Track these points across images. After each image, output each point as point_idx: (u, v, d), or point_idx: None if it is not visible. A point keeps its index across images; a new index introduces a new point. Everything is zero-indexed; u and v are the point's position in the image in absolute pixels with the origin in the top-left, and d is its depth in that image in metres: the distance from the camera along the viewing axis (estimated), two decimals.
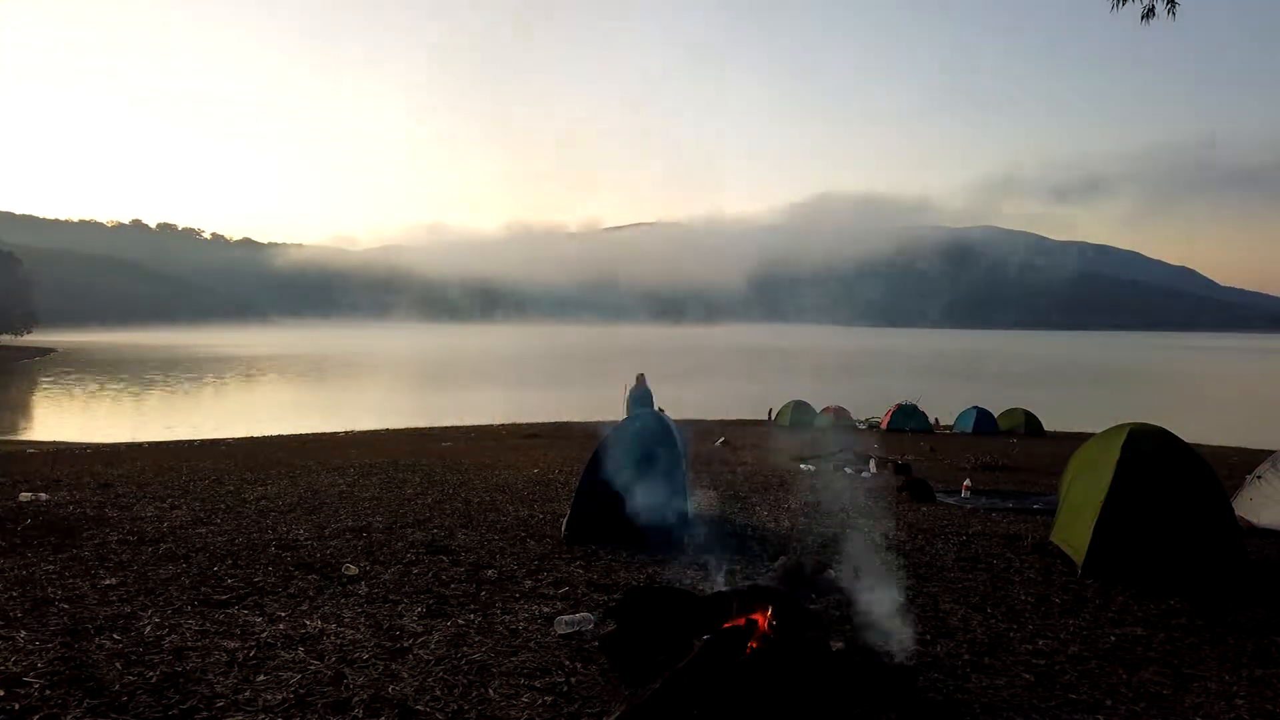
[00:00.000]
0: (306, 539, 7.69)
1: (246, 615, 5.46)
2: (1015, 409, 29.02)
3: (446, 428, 26.53)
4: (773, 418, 29.41)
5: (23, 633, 4.99)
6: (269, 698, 4.21)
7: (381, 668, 4.64)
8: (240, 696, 4.21)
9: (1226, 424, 32.98)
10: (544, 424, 27.44)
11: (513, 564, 6.94)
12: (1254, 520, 9.22)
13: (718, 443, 19.53)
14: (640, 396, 17.55)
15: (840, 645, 4.58)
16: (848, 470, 14.74)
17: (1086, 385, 63.29)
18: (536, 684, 4.47)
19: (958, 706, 4.31)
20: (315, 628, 5.25)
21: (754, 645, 4.10)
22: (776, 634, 4.17)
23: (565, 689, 4.41)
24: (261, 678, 4.45)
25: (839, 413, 28.59)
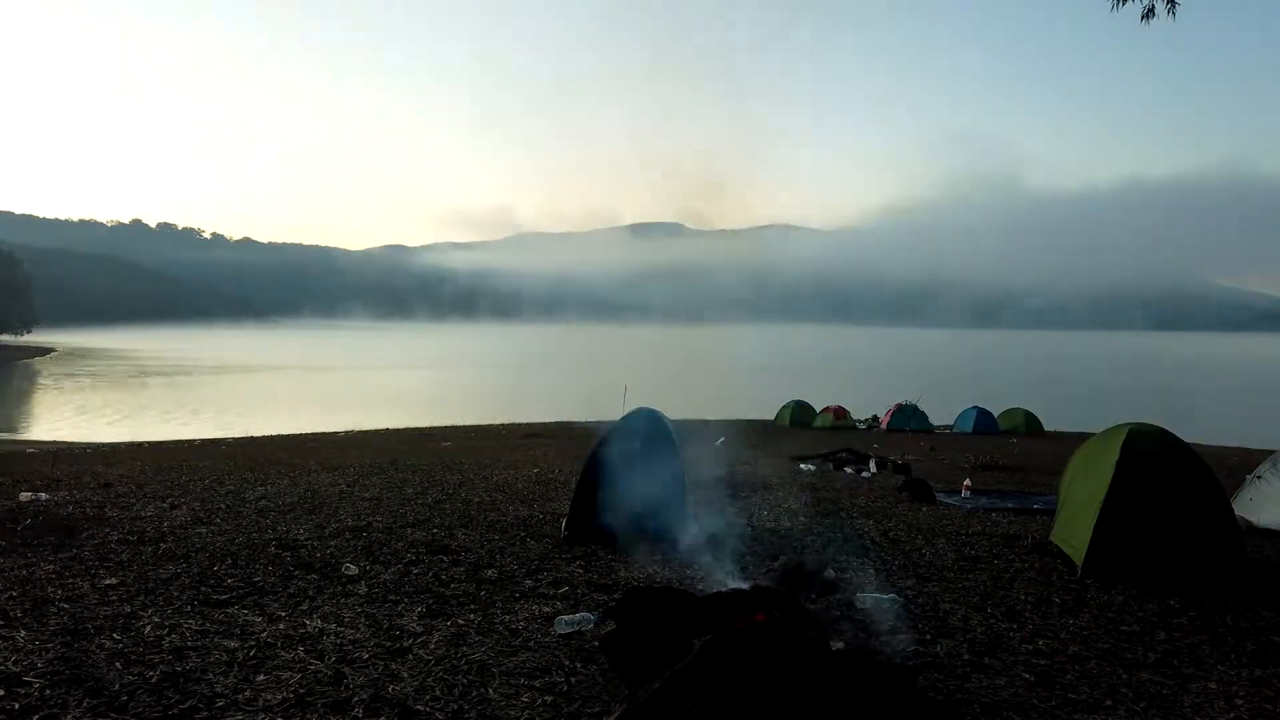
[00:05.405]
0: (306, 539, 7.69)
1: (246, 615, 5.46)
2: (1015, 409, 29.02)
3: (446, 427, 26.53)
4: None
5: (23, 633, 4.99)
6: (269, 697, 4.21)
7: (381, 667, 4.64)
8: (240, 696, 4.21)
9: (1226, 424, 33.00)
10: (544, 423, 27.45)
11: (513, 564, 6.94)
12: (1254, 520, 9.22)
13: (717, 443, 19.53)
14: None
15: (840, 645, 4.58)
16: (848, 470, 14.75)
17: (1084, 385, 63.30)
18: (536, 684, 4.47)
19: (958, 706, 4.31)
20: (315, 627, 5.25)
21: (754, 645, 4.10)
22: (776, 634, 4.17)
23: (565, 689, 4.41)
24: (261, 677, 4.45)
25: (839, 413, 28.64)
